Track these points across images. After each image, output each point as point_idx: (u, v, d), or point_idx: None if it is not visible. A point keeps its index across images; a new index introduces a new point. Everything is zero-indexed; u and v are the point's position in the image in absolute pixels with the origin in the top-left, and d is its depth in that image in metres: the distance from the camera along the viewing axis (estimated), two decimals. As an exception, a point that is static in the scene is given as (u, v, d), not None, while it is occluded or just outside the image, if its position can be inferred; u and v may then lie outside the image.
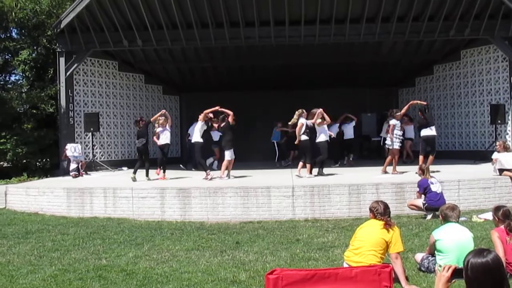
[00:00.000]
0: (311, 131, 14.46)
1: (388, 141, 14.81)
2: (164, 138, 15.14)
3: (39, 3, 18.28)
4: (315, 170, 14.47)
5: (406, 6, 17.06)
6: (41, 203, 13.78)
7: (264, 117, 19.81)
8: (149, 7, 17.05)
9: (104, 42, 18.14)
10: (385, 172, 14.49)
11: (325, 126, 14.56)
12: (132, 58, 20.75)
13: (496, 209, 7.00)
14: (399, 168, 14.75)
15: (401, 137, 14.78)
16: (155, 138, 15.88)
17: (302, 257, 7.89)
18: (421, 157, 14.31)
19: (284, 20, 17.34)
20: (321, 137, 14.47)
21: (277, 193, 12.10)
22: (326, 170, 14.74)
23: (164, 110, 15.59)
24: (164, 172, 14.94)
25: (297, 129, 14.46)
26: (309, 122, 14.38)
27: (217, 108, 14.92)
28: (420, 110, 15.42)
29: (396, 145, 14.62)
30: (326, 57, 20.52)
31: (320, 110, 14.35)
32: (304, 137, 14.35)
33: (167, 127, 15.24)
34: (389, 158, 14.69)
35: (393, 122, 14.72)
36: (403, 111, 15.19)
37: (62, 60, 18.24)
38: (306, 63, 21.20)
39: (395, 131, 14.60)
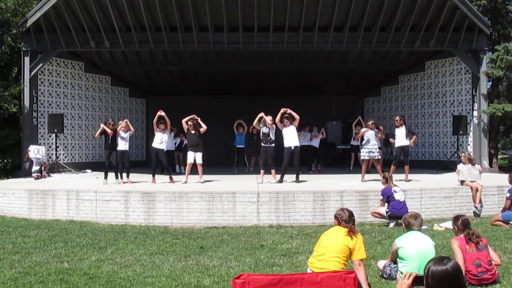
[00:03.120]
0: (267, 137, 14.54)
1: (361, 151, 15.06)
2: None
3: (4, 1, 17.94)
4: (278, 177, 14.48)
5: (373, 16, 17.33)
6: (1, 205, 13.53)
7: (231, 122, 19.79)
8: (118, 9, 16.95)
9: (70, 42, 17.96)
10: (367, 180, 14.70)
11: (290, 131, 14.46)
12: (98, 60, 20.55)
13: (456, 218, 7.14)
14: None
15: (370, 147, 14.80)
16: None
17: (266, 263, 7.90)
18: (392, 167, 14.50)
19: (253, 26, 17.43)
20: (285, 143, 14.50)
21: (242, 199, 12.10)
22: (289, 177, 14.73)
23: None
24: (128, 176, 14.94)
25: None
26: (265, 128, 14.53)
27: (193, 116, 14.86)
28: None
29: (363, 155, 14.84)
30: (294, 64, 20.70)
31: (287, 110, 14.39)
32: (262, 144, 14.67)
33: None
34: (363, 167, 14.95)
35: (363, 129, 14.95)
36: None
37: (27, 60, 18.03)
38: (274, 70, 21.35)
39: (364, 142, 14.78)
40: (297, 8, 16.85)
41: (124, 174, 14.86)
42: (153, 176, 14.80)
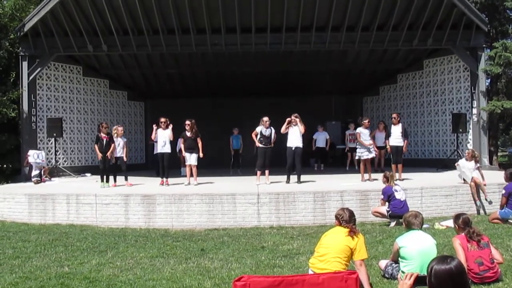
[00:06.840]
0: (266, 139, 14.49)
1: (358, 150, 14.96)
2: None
3: (1, 6, 17.92)
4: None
5: (370, 16, 17.30)
6: (1, 210, 13.53)
7: (229, 124, 19.77)
8: (115, 12, 16.89)
9: (68, 46, 17.93)
10: (366, 180, 14.61)
11: (293, 131, 14.39)
12: (96, 63, 20.51)
13: (456, 217, 7.12)
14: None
15: (364, 147, 14.75)
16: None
17: (267, 264, 7.89)
18: (393, 166, 14.51)
19: (250, 28, 17.39)
20: (287, 143, 14.45)
21: (242, 200, 12.09)
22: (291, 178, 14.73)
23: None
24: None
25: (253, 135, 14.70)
26: (265, 130, 14.44)
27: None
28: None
29: (358, 155, 14.78)
30: (292, 64, 20.67)
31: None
32: (258, 145, 14.52)
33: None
34: (361, 166, 14.88)
35: (358, 130, 14.86)
36: None
37: (25, 64, 17.98)
38: (272, 71, 21.30)
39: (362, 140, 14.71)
40: (294, 8, 16.82)
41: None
42: (161, 177, 14.73)
